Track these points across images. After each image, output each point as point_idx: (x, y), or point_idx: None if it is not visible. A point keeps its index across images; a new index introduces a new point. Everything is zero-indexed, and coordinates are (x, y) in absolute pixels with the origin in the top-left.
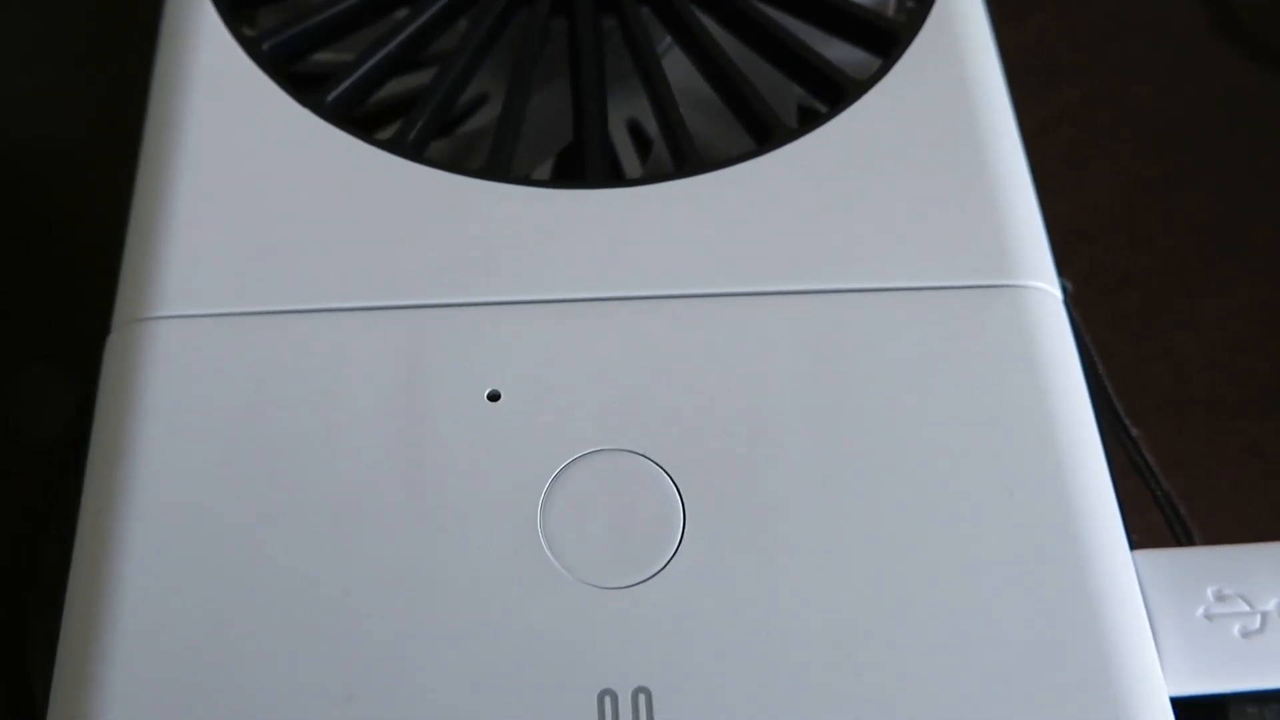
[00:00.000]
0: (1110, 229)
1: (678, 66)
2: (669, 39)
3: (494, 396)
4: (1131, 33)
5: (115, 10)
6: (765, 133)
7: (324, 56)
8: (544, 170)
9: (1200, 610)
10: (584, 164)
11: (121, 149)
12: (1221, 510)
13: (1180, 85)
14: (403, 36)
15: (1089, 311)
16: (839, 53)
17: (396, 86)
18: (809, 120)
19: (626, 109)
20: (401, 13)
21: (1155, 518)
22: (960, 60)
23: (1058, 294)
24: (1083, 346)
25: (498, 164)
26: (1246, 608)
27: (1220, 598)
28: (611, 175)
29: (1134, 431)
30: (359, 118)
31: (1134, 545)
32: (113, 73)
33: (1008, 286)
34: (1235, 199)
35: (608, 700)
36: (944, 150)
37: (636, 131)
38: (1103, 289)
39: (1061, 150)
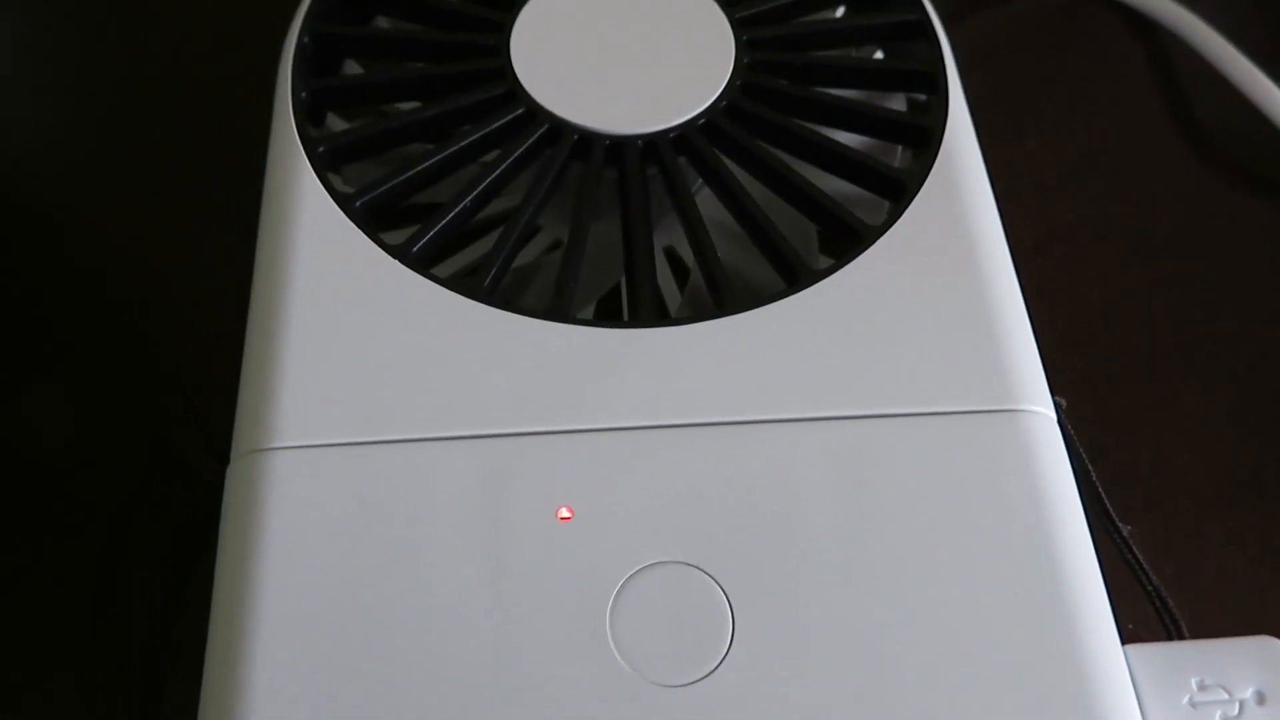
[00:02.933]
0: (1098, 336)
1: (709, 200)
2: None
3: (565, 516)
4: (1113, 157)
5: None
6: (792, 274)
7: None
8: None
9: (1185, 699)
10: (637, 306)
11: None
12: (1206, 596)
13: (1159, 204)
14: (475, 193)
15: (1081, 414)
16: (849, 188)
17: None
18: (831, 254)
19: (665, 239)
20: (472, 169)
21: (1146, 608)
22: (962, 206)
23: (1052, 415)
24: (1075, 454)
25: (561, 306)
26: (1226, 695)
27: (1203, 687)
28: (660, 313)
29: (1125, 530)
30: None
31: (1126, 634)
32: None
33: (1007, 411)
34: (1210, 307)
35: None
36: (950, 290)
37: (672, 256)
38: (1091, 393)
39: (1054, 266)
